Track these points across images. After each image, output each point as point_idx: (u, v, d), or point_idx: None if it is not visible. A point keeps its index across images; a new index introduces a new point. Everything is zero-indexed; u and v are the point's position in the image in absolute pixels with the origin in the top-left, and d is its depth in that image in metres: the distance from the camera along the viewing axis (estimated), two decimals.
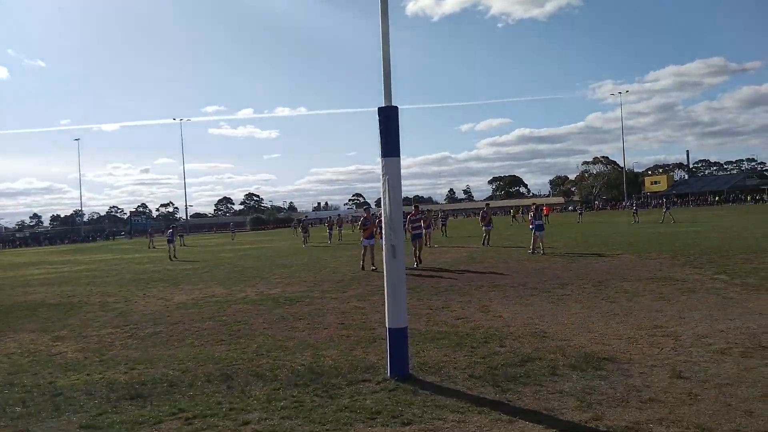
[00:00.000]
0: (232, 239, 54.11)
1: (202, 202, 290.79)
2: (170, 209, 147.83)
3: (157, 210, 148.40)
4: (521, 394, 5.20)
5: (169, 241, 30.32)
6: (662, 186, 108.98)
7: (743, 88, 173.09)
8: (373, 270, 16.00)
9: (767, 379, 5.20)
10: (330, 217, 39.19)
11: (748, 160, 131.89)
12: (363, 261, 16.91)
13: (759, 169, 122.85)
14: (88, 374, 6.59)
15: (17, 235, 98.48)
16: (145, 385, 6.01)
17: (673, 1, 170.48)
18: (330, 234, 36.21)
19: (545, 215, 49.14)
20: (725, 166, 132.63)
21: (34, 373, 6.76)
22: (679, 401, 4.80)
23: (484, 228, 24.18)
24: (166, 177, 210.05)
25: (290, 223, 74.22)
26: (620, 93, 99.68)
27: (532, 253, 18.82)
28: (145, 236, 51.84)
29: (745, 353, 6.06)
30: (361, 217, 18.22)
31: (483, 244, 23.74)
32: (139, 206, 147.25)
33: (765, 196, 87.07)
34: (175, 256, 28.14)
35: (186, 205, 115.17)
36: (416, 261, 16.93)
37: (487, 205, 26.64)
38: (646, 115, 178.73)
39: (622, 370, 5.74)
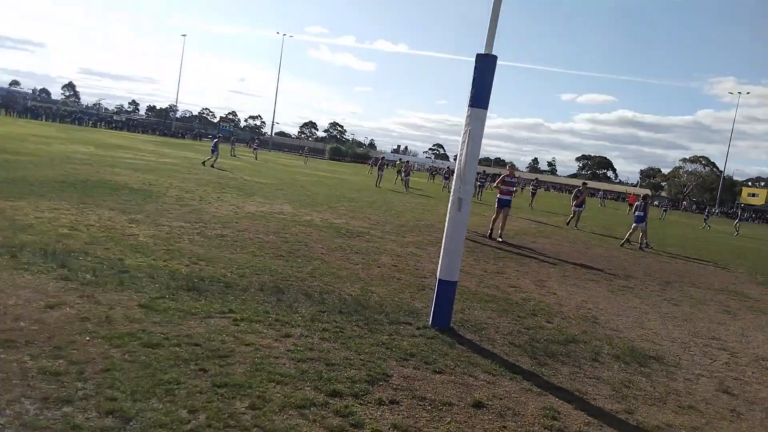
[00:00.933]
0: (305, 163, 55.34)
1: (289, 122, 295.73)
2: (258, 122, 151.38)
3: (245, 121, 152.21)
4: (557, 371, 5.17)
5: (212, 151, 28.84)
6: (760, 200, 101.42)
7: None
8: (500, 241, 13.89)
9: None
10: (407, 161, 39.11)
11: None
12: (492, 226, 14.54)
13: None
14: (153, 260, 7.01)
15: (114, 117, 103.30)
16: (203, 280, 6.35)
17: None
18: (406, 180, 35.60)
19: (630, 204, 47.22)
20: None
21: (106, 248, 7.25)
22: (719, 415, 4.65)
23: (573, 208, 22.61)
24: (260, 90, 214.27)
25: (368, 160, 74.83)
26: (740, 93, 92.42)
27: (637, 245, 17.22)
28: (228, 143, 53.07)
29: None
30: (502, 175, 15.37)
31: (567, 224, 22.29)
32: (229, 113, 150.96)
33: None
34: (212, 166, 27.17)
35: (273, 122, 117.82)
36: (499, 231, 14.27)
37: (584, 183, 23.94)
38: (764, 123, 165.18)
39: (667, 372, 5.59)
